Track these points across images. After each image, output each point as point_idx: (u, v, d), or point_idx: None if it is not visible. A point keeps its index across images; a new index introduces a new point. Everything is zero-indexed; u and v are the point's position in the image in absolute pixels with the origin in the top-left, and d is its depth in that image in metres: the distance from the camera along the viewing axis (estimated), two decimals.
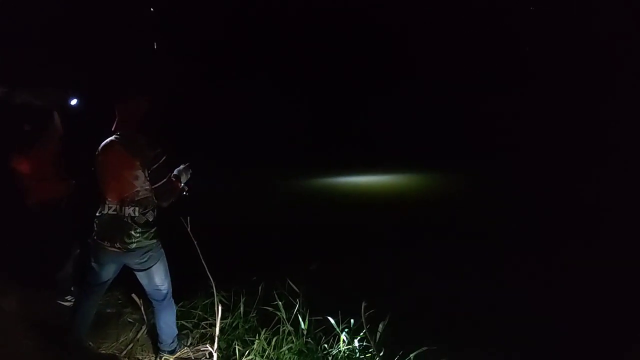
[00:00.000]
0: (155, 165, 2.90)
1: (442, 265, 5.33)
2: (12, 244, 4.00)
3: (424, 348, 3.19)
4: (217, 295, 3.22)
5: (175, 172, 3.18)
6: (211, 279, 3.18)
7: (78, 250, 3.98)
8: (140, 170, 2.89)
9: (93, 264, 3.10)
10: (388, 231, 6.83)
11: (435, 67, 12.43)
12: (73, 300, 3.81)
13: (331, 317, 3.52)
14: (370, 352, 3.27)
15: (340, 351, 3.36)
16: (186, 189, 3.25)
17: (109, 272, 3.14)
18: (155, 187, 2.95)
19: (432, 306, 4.34)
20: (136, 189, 2.92)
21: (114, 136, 2.96)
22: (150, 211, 3.01)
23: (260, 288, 3.86)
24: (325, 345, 3.46)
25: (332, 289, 4.08)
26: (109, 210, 2.97)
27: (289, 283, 3.69)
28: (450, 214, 7.68)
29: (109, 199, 2.97)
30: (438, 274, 5.07)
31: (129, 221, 2.93)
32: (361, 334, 3.33)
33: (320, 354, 3.38)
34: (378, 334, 3.28)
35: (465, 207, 8.16)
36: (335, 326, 3.46)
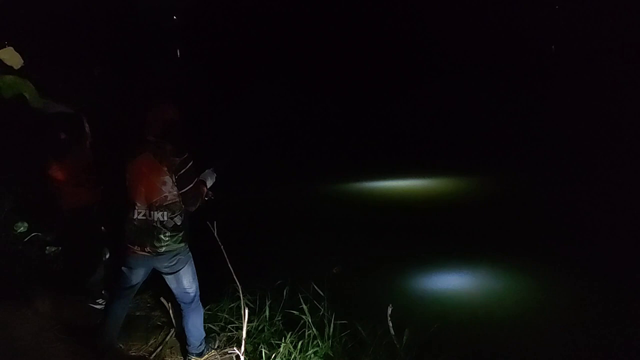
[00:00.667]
0: (183, 171, 2.96)
1: (469, 270, 5.24)
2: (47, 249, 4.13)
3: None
4: (243, 299, 3.25)
5: (200, 176, 3.23)
6: (237, 283, 3.21)
7: (109, 255, 4.08)
8: (168, 176, 2.96)
9: (123, 268, 3.18)
10: (415, 235, 6.76)
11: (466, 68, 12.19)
12: (104, 303, 3.89)
13: (357, 321, 3.52)
14: (397, 356, 3.25)
15: (366, 355, 3.35)
16: (210, 193, 3.31)
17: (139, 276, 3.21)
18: (182, 192, 3.01)
19: (460, 312, 4.27)
20: (164, 194, 2.98)
21: (142, 142, 3.03)
22: (179, 215, 3.07)
23: (285, 292, 3.88)
24: (351, 350, 3.46)
25: (357, 293, 4.07)
26: (138, 215, 3.04)
27: (313, 287, 3.70)
28: (481, 217, 7.55)
29: (138, 204, 3.03)
30: (465, 279, 4.98)
31: (159, 225, 3.00)
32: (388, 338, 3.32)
33: (346, 358, 3.38)
34: (404, 339, 3.26)
35: (499, 210, 8.00)
36: (361, 330, 3.46)
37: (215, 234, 3.05)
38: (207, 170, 3.34)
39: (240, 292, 3.25)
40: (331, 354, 3.38)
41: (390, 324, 3.25)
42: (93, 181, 3.92)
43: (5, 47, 1.41)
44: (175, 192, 3.00)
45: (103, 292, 4.12)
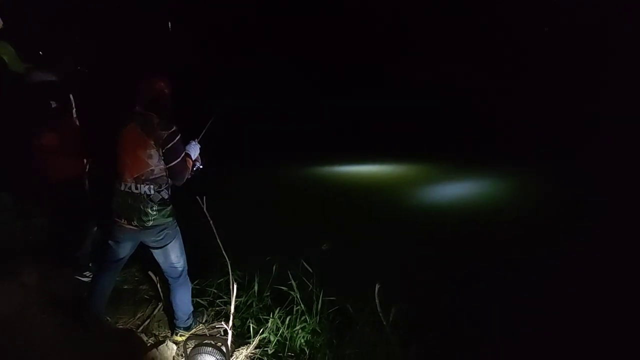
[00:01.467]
0: (170, 145, 2.91)
1: (456, 248, 5.27)
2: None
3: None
4: (232, 274, 3.24)
5: (185, 149, 3.18)
6: (227, 258, 3.20)
7: (96, 227, 4.04)
8: (154, 150, 2.90)
9: (110, 241, 3.15)
10: (404, 213, 6.80)
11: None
12: (91, 276, 3.87)
13: (345, 298, 3.54)
14: (384, 334, 3.28)
15: (354, 332, 3.38)
16: (198, 164, 3.27)
17: (126, 249, 3.18)
18: (168, 167, 2.96)
19: (447, 289, 4.29)
20: (150, 168, 2.93)
21: (130, 115, 2.97)
22: (165, 189, 3.03)
23: (274, 268, 3.88)
24: (339, 326, 3.49)
25: (346, 270, 4.08)
26: (124, 187, 3.00)
27: (303, 263, 3.70)
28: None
29: (125, 177, 2.99)
30: (452, 258, 5.00)
31: (145, 199, 2.96)
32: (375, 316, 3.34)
33: (333, 334, 3.41)
34: (391, 316, 3.29)
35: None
36: (349, 307, 3.48)
37: (205, 208, 3.03)
38: (191, 142, 3.29)
39: (229, 267, 3.25)
40: (319, 330, 3.41)
41: (378, 302, 3.27)
42: (80, 152, 3.86)
43: None
44: (162, 166, 2.95)
45: (90, 264, 4.09)
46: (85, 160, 3.93)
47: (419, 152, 9.78)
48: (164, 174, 2.99)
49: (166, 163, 2.95)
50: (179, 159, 2.98)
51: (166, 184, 3.03)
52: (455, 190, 8.28)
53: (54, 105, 3.69)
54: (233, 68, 10.13)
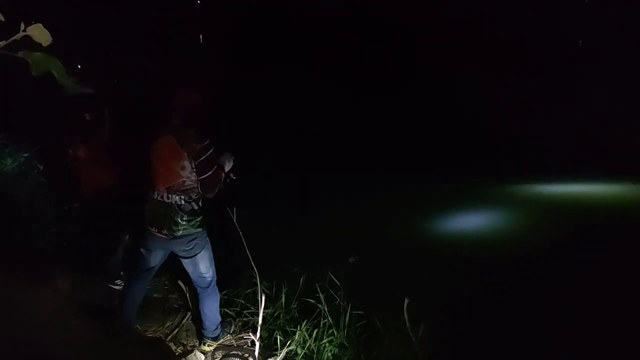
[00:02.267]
0: (203, 158, 2.95)
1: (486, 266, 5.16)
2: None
3: None
4: (260, 285, 3.24)
5: (219, 161, 3.22)
6: (255, 269, 3.20)
7: (128, 236, 4.12)
8: (187, 161, 2.95)
9: (142, 249, 3.21)
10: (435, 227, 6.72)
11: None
12: (122, 284, 3.93)
13: (373, 311, 3.50)
14: (412, 350, 3.22)
15: (382, 347, 3.33)
16: (231, 175, 3.30)
17: (157, 258, 3.23)
18: (201, 179, 3.00)
19: (479, 306, 4.20)
20: (182, 179, 2.99)
21: (167, 127, 3.03)
22: (196, 200, 3.07)
23: (301, 279, 3.86)
24: (366, 341, 3.44)
25: (375, 284, 4.03)
26: (157, 196, 3.06)
27: (330, 276, 3.68)
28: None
29: (158, 186, 3.05)
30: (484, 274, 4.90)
31: (176, 208, 3.01)
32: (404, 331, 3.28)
33: (361, 348, 3.36)
34: (420, 332, 3.23)
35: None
36: (377, 322, 3.44)
37: (235, 219, 3.05)
38: (225, 154, 3.32)
39: (257, 278, 3.25)
40: (346, 344, 3.37)
41: (407, 317, 3.22)
42: (114, 162, 3.95)
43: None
44: (194, 178, 3.00)
45: (122, 273, 4.16)
46: (118, 170, 4.02)
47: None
48: (195, 185, 3.04)
49: (198, 175, 3.00)
50: (210, 172, 3.02)
51: (197, 195, 3.07)
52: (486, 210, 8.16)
53: (88, 117, 3.80)
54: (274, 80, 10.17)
